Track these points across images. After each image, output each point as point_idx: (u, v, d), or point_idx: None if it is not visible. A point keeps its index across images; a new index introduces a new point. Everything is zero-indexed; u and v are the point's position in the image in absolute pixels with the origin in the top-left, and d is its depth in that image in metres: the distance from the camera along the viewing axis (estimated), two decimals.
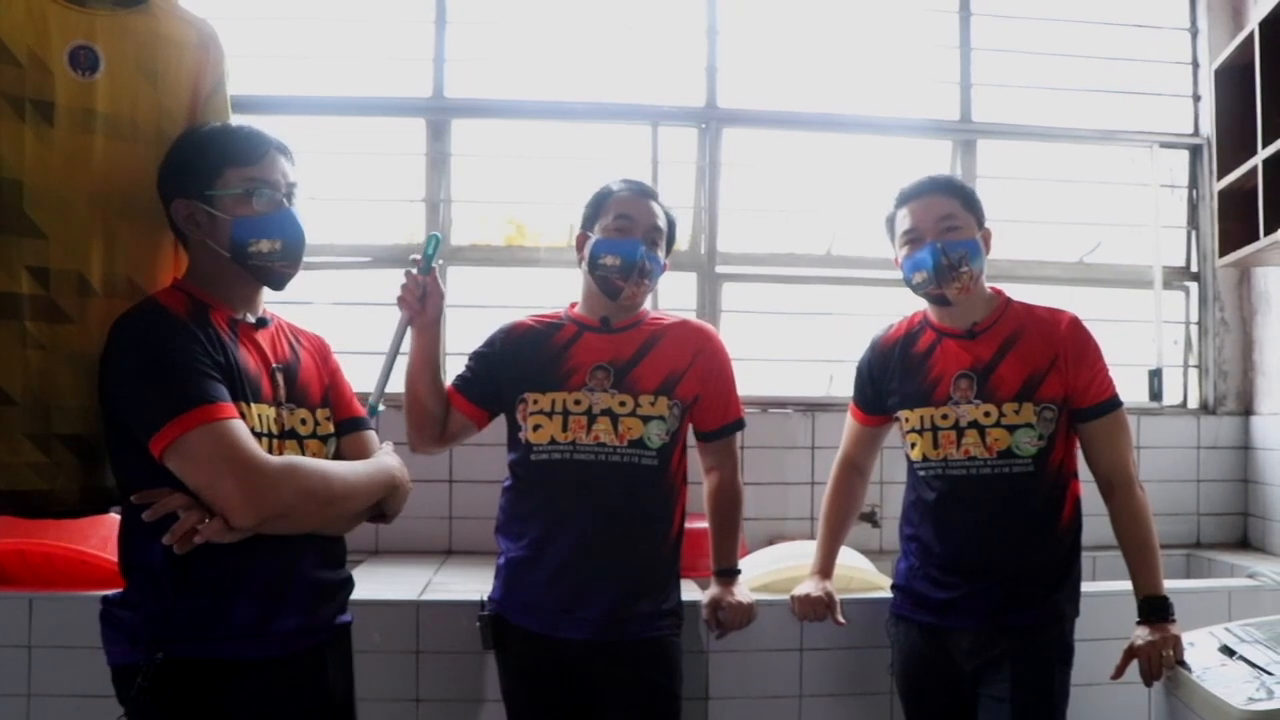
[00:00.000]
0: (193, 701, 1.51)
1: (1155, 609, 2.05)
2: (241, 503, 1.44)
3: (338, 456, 1.72)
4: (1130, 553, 2.09)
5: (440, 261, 3.24)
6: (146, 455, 1.46)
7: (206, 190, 1.60)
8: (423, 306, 2.06)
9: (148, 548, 1.50)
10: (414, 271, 2.06)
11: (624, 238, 2.09)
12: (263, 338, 1.67)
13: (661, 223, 2.16)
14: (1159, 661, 2.00)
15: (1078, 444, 2.13)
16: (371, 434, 1.81)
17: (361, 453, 1.75)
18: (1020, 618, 2.03)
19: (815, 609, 2.27)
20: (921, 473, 2.14)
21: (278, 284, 1.69)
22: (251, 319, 1.68)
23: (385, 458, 1.76)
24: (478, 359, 2.20)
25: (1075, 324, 2.10)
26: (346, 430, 1.76)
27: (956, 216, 2.09)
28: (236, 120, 1.80)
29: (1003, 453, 2.05)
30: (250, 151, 1.63)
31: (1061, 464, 2.08)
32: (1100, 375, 2.09)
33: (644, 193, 2.18)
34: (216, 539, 1.45)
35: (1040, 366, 2.06)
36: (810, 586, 2.31)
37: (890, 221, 2.19)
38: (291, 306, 3.06)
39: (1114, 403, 2.10)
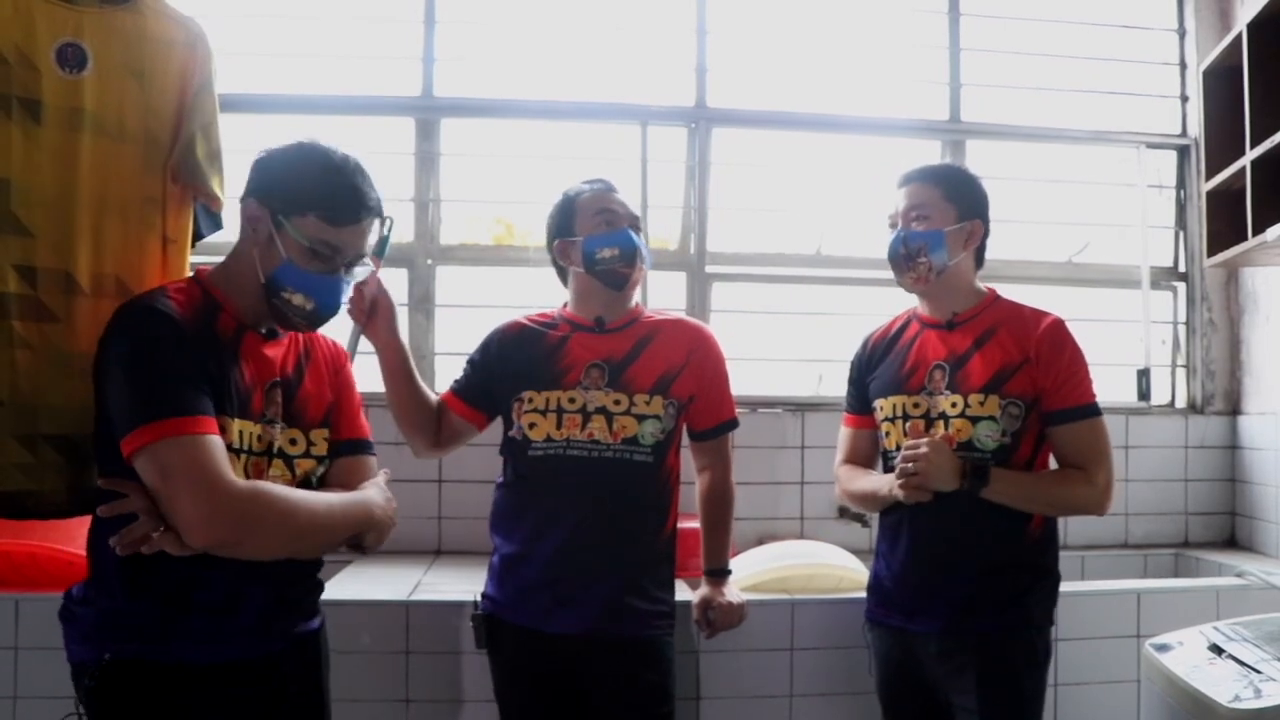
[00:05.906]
0: (143, 703, 1.48)
1: None
2: (196, 524, 1.40)
3: (326, 479, 1.68)
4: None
5: (429, 258, 3.27)
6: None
7: (282, 215, 1.56)
8: (372, 317, 2.04)
9: (105, 546, 1.46)
10: (362, 282, 1.94)
11: (612, 230, 2.11)
12: (269, 350, 1.64)
13: (635, 209, 2.20)
14: None
15: (1050, 450, 2.07)
16: (369, 460, 1.75)
17: (353, 477, 1.69)
18: (986, 622, 2.00)
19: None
20: (895, 463, 2.11)
21: (289, 330, 1.67)
22: (262, 330, 1.64)
23: (368, 491, 1.68)
24: (472, 365, 2.21)
25: (1055, 326, 2.05)
26: (346, 452, 1.71)
27: (929, 206, 2.09)
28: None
29: (964, 444, 2.00)
30: (344, 213, 1.58)
31: (1030, 464, 2.04)
32: (1074, 380, 2.02)
33: (611, 188, 2.20)
34: (169, 550, 1.41)
35: (1012, 362, 2.02)
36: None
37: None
38: None
39: (1089, 410, 2.02)
